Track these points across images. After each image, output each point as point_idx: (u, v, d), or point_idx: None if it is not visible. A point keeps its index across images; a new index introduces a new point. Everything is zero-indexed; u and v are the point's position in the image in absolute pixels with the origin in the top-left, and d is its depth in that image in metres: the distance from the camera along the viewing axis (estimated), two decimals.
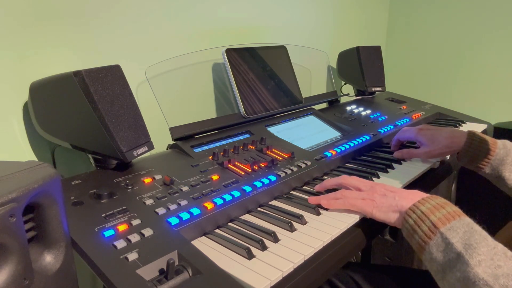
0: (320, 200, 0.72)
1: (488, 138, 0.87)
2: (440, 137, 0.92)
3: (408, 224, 0.60)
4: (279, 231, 0.64)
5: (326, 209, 0.72)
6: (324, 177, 0.88)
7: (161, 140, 0.88)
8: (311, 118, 1.17)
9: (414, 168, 0.92)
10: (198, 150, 0.86)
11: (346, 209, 0.71)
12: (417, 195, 0.64)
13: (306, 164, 0.87)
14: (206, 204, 0.67)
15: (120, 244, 0.54)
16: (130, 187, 0.68)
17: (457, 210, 0.59)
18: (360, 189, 0.71)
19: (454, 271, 0.52)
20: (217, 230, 0.66)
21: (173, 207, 0.64)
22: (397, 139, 1.02)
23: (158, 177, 0.73)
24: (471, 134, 0.88)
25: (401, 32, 1.92)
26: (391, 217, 0.65)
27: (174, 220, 0.61)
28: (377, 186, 0.70)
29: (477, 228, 0.55)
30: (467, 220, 0.57)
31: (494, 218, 0.73)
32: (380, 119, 1.25)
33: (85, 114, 0.68)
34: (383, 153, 1.02)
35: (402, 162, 0.95)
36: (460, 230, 0.55)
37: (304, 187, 0.83)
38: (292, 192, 0.80)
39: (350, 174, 0.85)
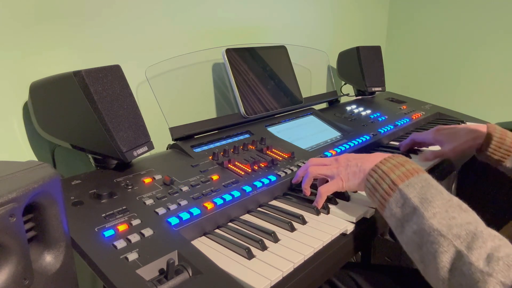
0: (315, 206, 0.73)
1: (509, 131, 0.87)
2: (460, 133, 0.92)
3: (370, 184, 0.63)
4: (279, 231, 0.64)
5: (326, 209, 0.72)
6: None
7: (161, 140, 0.88)
8: (311, 118, 1.17)
9: None
10: (198, 150, 0.86)
11: (347, 209, 0.71)
12: (379, 156, 0.66)
13: None
14: (206, 204, 0.67)
15: (120, 244, 0.54)
16: (130, 187, 0.68)
17: (416, 167, 0.61)
18: (325, 164, 0.73)
19: (411, 224, 0.55)
20: (217, 230, 0.66)
21: (173, 207, 0.64)
22: (412, 139, 1.01)
23: (158, 177, 0.73)
24: (492, 127, 0.89)
25: (401, 32, 1.92)
26: (357, 183, 0.67)
27: (174, 220, 0.61)
28: (340, 158, 0.72)
29: (434, 183, 0.58)
30: (425, 176, 0.59)
31: (494, 218, 0.72)
32: (380, 119, 1.25)
33: (85, 114, 0.68)
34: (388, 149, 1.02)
35: None
36: (418, 185, 0.57)
37: None
38: (292, 192, 0.80)
39: None
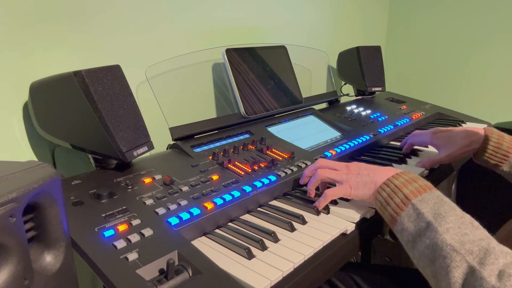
0: (315, 206, 0.72)
1: (506, 135, 0.87)
2: (457, 138, 0.91)
3: (381, 197, 0.63)
4: (279, 231, 0.64)
5: (327, 209, 0.72)
6: None
7: (161, 140, 0.88)
8: (311, 118, 1.17)
9: (414, 169, 0.91)
10: (198, 150, 0.86)
11: (346, 209, 0.71)
12: (391, 171, 0.67)
13: (306, 164, 0.87)
14: (206, 204, 0.67)
15: (120, 244, 0.54)
16: (130, 187, 0.68)
17: (428, 184, 0.62)
18: (335, 169, 0.73)
19: (424, 239, 0.55)
20: (217, 230, 0.66)
21: (173, 207, 0.64)
22: (410, 144, 1.01)
23: (158, 177, 0.73)
24: (489, 131, 0.88)
25: (401, 32, 1.92)
26: (367, 194, 0.67)
27: (174, 220, 0.61)
28: (351, 166, 0.72)
29: (447, 200, 0.59)
30: (438, 192, 0.60)
31: (494, 218, 0.72)
32: (380, 119, 1.25)
33: (85, 114, 0.68)
34: (388, 149, 1.02)
35: (402, 162, 0.95)
36: (431, 201, 0.58)
37: (305, 187, 0.83)
38: (292, 192, 0.80)
39: None
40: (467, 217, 0.56)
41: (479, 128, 0.91)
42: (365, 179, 0.68)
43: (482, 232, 0.54)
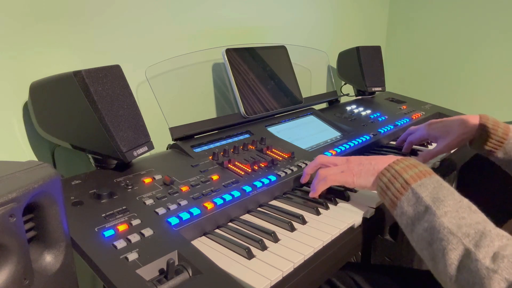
0: (311, 195, 0.72)
1: (501, 122, 0.87)
2: (453, 126, 0.91)
3: (382, 182, 0.64)
4: (279, 231, 0.64)
5: (326, 209, 0.72)
6: None
7: (161, 140, 0.88)
8: (311, 118, 1.17)
9: None
10: (198, 150, 0.86)
11: (346, 209, 0.71)
12: (392, 158, 0.67)
13: (306, 164, 0.87)
14: (206, 204, 0.67)
15: (120, 244, 0.54)
16: (130, 187, 0.68)
17: (428, 169, 0.63)
18: (336, 164, 0.73)
19: (422, 222, 0.56)
20: (217, 230, 0.66)
21: (173, 207, 0.64)
22: (409, 142, 1.01)
23: (158, 177, 0.73)
24: (484, 118, 0.88)
25: (401, 32, 1.92)
26: (370, 181, 0.68)
27: (174, 220, 0.61)
28: (351, 158, 0.73)
29: (446, 184, 0.59)
30: (437, 178, 0.61)
31: (494, 217, 0.72)
32: (380, 119, 1.25)
33: (85, 114, 0.68)
34: (388, 149, 1.02)
35: None
36: (430, 186, 0.59)
37: (305, 187, 0.83)
38: (292, 192, 0.80)
39: None
40: (465, 201, 0.57)
41: (474, 115, 0.91)
42: (367, 167, 0.68)
43: (480, 216, 0.54)
